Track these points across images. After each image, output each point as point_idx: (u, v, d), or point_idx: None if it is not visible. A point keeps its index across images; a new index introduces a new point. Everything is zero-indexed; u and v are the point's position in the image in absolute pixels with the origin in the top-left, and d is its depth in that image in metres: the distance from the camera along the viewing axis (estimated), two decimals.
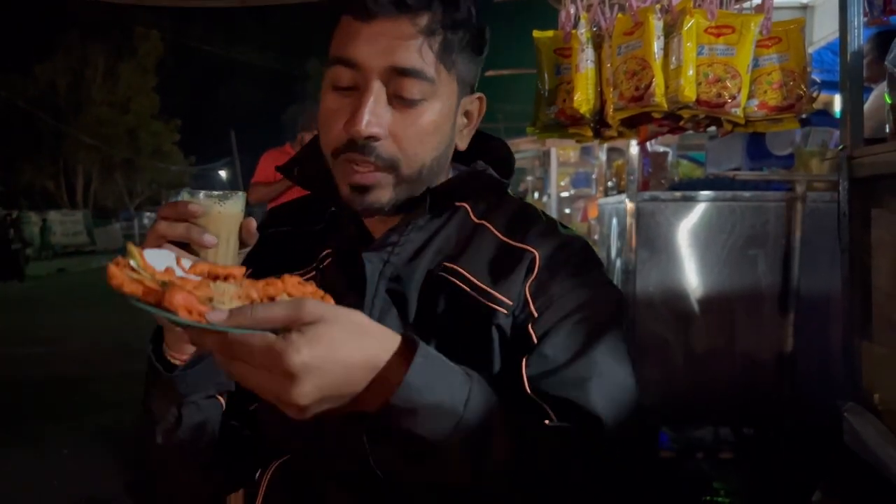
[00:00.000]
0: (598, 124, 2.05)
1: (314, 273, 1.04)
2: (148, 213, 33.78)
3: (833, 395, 1.85)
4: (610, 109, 1.93)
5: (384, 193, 0.95)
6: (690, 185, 3.06)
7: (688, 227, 2.78)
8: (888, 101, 1.74)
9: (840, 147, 1.85)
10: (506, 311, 0.94)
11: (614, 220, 3.26)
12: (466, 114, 1.04)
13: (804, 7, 4.15)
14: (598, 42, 1.96)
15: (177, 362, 0.94)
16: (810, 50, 2.46)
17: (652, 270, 2.76)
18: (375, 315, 0.95)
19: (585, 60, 1.94)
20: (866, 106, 1.91)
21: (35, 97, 28.11)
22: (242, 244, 0.89)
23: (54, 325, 8.89)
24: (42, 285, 15.33)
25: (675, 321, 2.79)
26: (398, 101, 0.92)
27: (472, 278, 0.96)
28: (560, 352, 0.90)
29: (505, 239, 1.00)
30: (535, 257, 0.97)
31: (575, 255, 1.00)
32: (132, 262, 0.68)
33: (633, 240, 2.78)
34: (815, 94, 1.90)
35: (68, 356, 6.64)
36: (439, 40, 0.93)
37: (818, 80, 2.06)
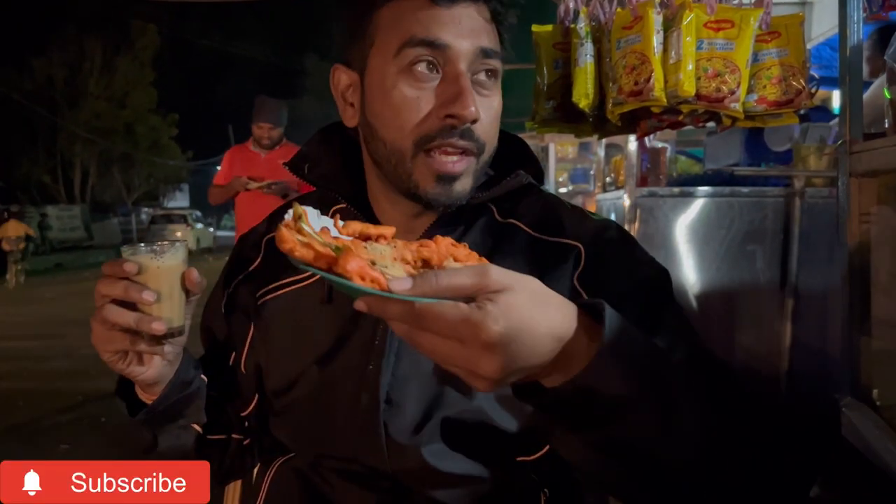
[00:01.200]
0: (597, 119, 2.04)
1: (320, 276, 1.02)
2: (146, 209, 33.71)
3: (831, 390, 1.85)
4: (609, 104, 1.92)
5: (468, 182, 0.93)
6: (689, 181, 3.06)
7: (686, 222, 2.77)
8: (888, 96, 1.73)
9: (839, 142, 1.84)
10: None
11: (612, 216, 3.26)
12: None
13: (803, 3, 4.15)
14: (597, 36, 1.95)
15: (148, 401, 0.95)
16: (809, 46, 2.45)
17: None
18: None
19: (584, 55, 1.93)
20: (866, 96, 1.91)
21: (31, 91, 27.97)
22: (189, 293, 0.89)
23: (52, 320, 8.88)
24: (39, 280, 15.31)
25: None
26: (479, 83, 0.92)
27: None
28: None
29: (538, 235, 0.99)
30: (580, 250, 0.96)
31: (616, 239, 1.00)
32: (302, 225, 0.65)
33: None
34: (813, 90, 1.89)
35: (65, 350, 6.63)
36: (498, 27, 0.95)
37: (816, 75, 2.05)
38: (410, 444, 0.92)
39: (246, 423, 1.11)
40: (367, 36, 0.94)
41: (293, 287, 1.03)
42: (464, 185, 0.93)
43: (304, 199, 1.16)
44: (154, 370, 0.90)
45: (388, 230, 0.70)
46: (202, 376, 1.01)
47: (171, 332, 0.86)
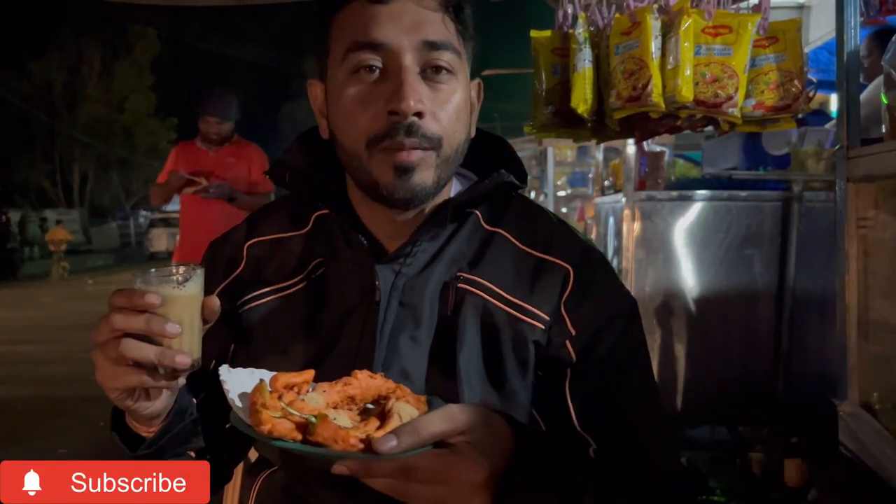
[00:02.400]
0: (596, 124, 2.05)
1: (305, 283, 0.99)
2: (144, 213, 33.66)
3: (829, 394, 1.85)
4: (607, 109, 1.93)
5: (428, 175, 0.90)
6: (687, 185, 3.06)
7: (684, 226, 2.78)
8: (885, 101, 1.74)
9: (836, 147, 1.85)
10: (542, 326, 0.93)
11: (611, 220, 3.26)
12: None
13: (801, 7, 4.16)
14: (595, 42, 1.96)
15: (144, 434, 0.90)
16: (806, 50, 2.46)
17: (648, 270, 2.76)
18: (388, 328, 0.93)
19: (583, 60, 1.94)
20: (861, 97, 1.91)
21: (30, 95, 27.97)
22: (205, 321, 0.83)
23: (50, 324, 8.87)
24: (37, 284, 15.30)
25: (671, 320, 2.80)
26: (431, 77, 0.90)
27: (501, 291, 0.94)
28: (602, 377, 0.93)
29: (526, 249, 0.98)
30: (569, 273, 0.96)
31: (599, 267, 1.00)
32: (272, 401, 0.69)
33: (629, 239, 2.78)
34: (811, 94, 1.90)
35: (63, 354, 6.62)
36: (452, 15, 0.92)
37: (814, 79, 2.06)
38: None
39: (226, 437, 1.05)
40: (326, 47, 0.94)
41: (277, 295, 1.01)
42: (422, 178, 0.90)
43: (278, 205, 1.11)
44: (160, 403, 0.85)
45: (308, 374, 0.75)
46: (193, 399, 0.96)
47: (192, 364, 0.79)
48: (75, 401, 4.83)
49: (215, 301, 0.83)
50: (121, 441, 0.90)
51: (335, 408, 0.72)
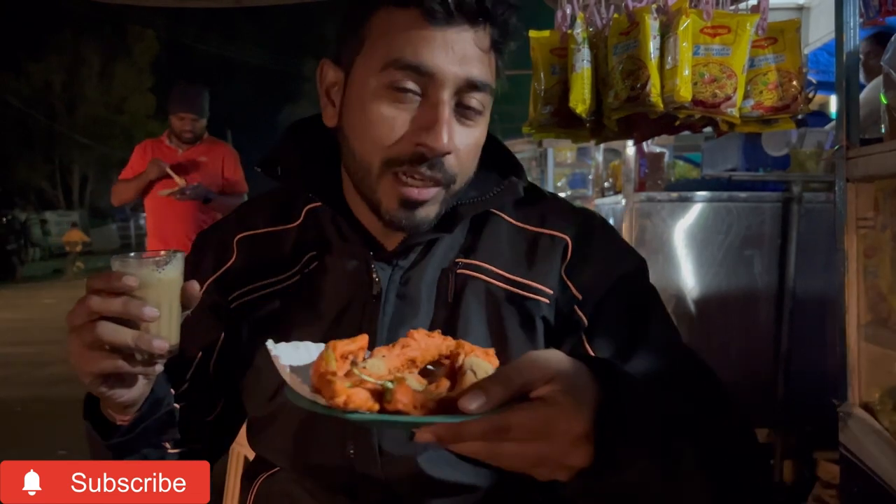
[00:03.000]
0: (595, 124, 2.05)
1: (298, 277, 0.99)
2: (144, 214, 33.65)
3: (829, 395, 1.85)
4: (606, 109, 1.93)
5: (433, 209, 0.90)
6: (687, 186, 3.06)
7: (684, 227, 2.78)
8: (884, 101, 1.74)
9: (836, 148, 1.85)
10: (547, 301, 0.93)
11: (611, 221, 3.26)
12: None
13: (800, 8, 4.16)
14: (594, 42, 1.96)
15: (119, 422, 0.87)
16: (806, 51, 2.46)
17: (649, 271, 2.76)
18: (386, 322, 0.93)
19: (581, 60, 1.94)
20: (861, 97, 1.91)
21: (29, 96, 27.96)
22: (183, 308, 0.81)
23: (49, 326, 8.86)
24: (37, 285, 15.30)
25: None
26: (463, 114, 0.87)
27: (501, 271, 0.94)
28: (623, 333, 0.91)
29: (521, 225, 0.98)
30: (567, 243, 0.95)
31: (599, 231, 0.99)
32: (340, 368, 0.64)
33: (629, 241, 2.78)
34: (810, 95, 1.90)
35: (63, 356, 6.62)
36: (495, 56, 0.90)
37: (814, 80, 2.06)
38: (405, 451, 0.90)
39: (206, 430, 1.04)
40: (358, 38, 0.89)
41: (271, 289, 0.99)
42: (428, 213, 0.89)
43: (269, 197, 1.09)
44: (136, 391, 0.82)
45: (362, 339, 0.70)
46: (171, 390, 0.94)
47: (170, 350, 0.78)
48: (75, 402, 4.79)
49: (195, 286, 0.81)
50: (94, 430, 0.88)
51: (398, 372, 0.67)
